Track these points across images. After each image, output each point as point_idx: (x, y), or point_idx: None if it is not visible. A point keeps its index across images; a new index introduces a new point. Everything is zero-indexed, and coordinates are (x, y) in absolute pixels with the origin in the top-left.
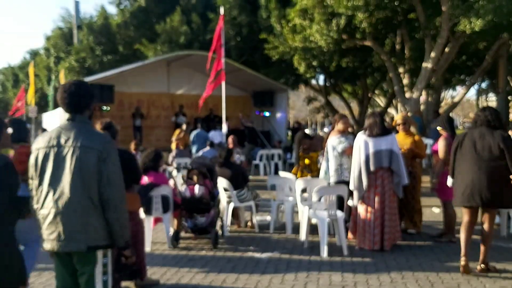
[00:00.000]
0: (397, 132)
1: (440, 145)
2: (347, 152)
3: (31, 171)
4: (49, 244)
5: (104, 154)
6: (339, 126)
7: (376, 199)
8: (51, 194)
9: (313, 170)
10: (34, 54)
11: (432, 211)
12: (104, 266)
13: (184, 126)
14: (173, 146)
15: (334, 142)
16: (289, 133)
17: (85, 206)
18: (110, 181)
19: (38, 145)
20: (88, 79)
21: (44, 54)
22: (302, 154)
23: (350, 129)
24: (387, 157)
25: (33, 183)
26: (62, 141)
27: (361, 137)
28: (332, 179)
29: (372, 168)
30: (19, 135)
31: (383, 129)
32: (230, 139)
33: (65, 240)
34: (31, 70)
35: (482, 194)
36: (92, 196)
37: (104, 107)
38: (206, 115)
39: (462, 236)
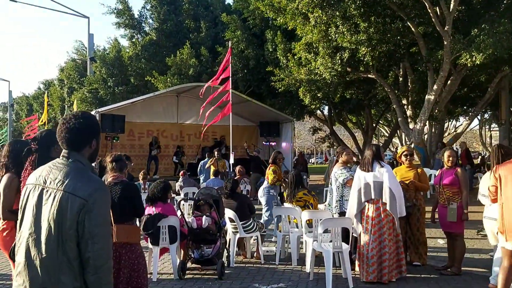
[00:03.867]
0: (400, 164)
1: (463, 176)
2: (349, 184)
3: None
4: None
5: (90, 204)
6: (343, 158)
7: (373, 230)
8: (25, 240)
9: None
10: (48, 84)
11: (436, 242)
12: None
13: (216, 153)
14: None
15: (336, 174)
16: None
17: (59, 262)
18: (93, 236)
19: (29, 181)
20: (100, 109)
21: (58, 85)
22: None
23: (354, 159)
24: (377, 189)
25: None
26: (49, 181)
27: (357, 170)
28: (334, 210)
29: (363, 199)
30: None
31: (373, 165)
32: (238, 169)
33: None
34: (45, 99)
35: None
36: (69, 252)
37: (116, 137)
38: (212, 144)
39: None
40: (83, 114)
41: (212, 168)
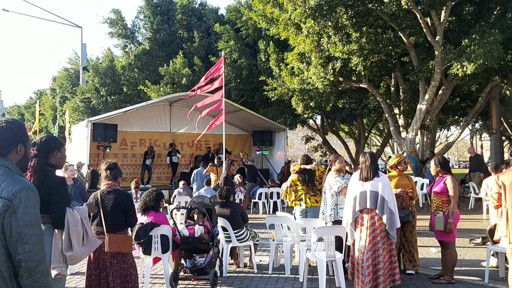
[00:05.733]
0: (389, 172)
1: (451, 185)
2: (343, 191)
3: None
4: None
5: (14, 205)
6: (336, 166)
7: (368, 239)
8: None
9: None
10: (40, 94)
11: (429, 251)
12: None
13: (216, 161)
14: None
15: (330, 182)
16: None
17: None
18: (22, 237)
19: None
20: (93, 118)
21: (50, 94)
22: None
23: (347, 168)
24: (372, 199)
25: None
26: None
27: (353, 177)
28: (328, 219)
29: (357, 208)
30: None
31: (373, 172)
32: (237, 177)
33: None
34: (37, 109)
35: None
36: None
37: (107, 147)
38: (205, 153)
39: None
40: (6, 121)
41: (214, 176)
